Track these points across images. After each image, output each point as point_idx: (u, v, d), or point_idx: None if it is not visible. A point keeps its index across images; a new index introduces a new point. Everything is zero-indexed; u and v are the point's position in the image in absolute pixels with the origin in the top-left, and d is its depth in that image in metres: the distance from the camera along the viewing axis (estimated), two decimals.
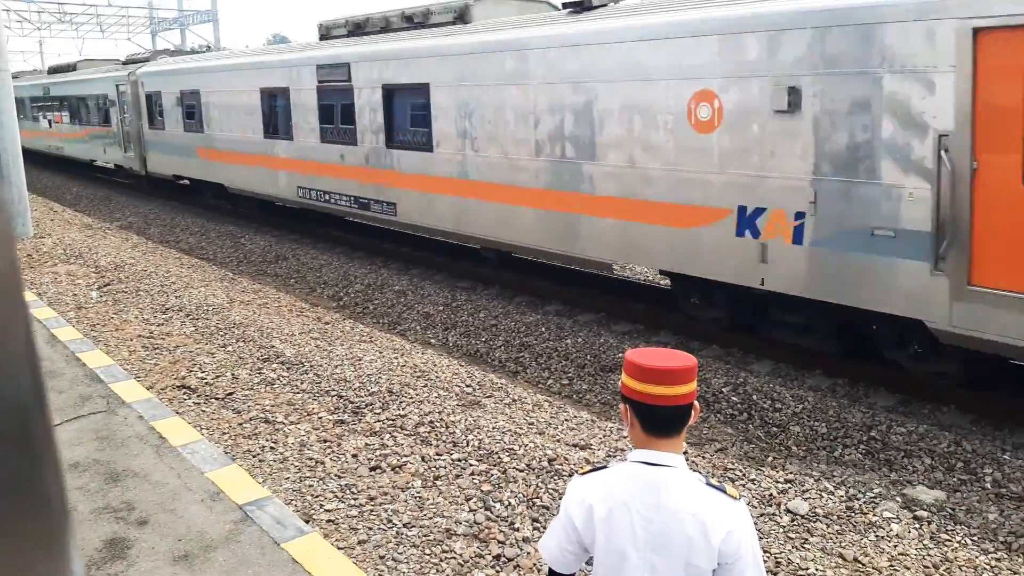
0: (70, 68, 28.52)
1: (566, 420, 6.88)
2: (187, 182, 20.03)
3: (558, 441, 6.33)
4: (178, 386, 7.47)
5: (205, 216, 18.87)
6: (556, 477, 5.59)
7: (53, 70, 30.43)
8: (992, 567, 4.72)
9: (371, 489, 5.47)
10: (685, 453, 6.05)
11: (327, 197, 13.95)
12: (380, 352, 8.57)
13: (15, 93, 32.14)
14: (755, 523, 5.02)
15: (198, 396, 7.25)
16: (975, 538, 4.99)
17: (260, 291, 11.77)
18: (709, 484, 2.09)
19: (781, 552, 4.79)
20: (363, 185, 13.02)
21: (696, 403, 2.17)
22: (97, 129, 24.14)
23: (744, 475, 5.78)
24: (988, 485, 5.75)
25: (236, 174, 16.92)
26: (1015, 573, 4.66)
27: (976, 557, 4.80)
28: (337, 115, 13.36)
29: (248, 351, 8.52)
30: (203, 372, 7.84)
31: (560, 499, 5.30)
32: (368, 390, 7.27)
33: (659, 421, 2.11)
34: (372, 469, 5.77)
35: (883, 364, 7.72)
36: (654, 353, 2.16)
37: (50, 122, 28.82)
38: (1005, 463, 5.96)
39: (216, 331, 9.30)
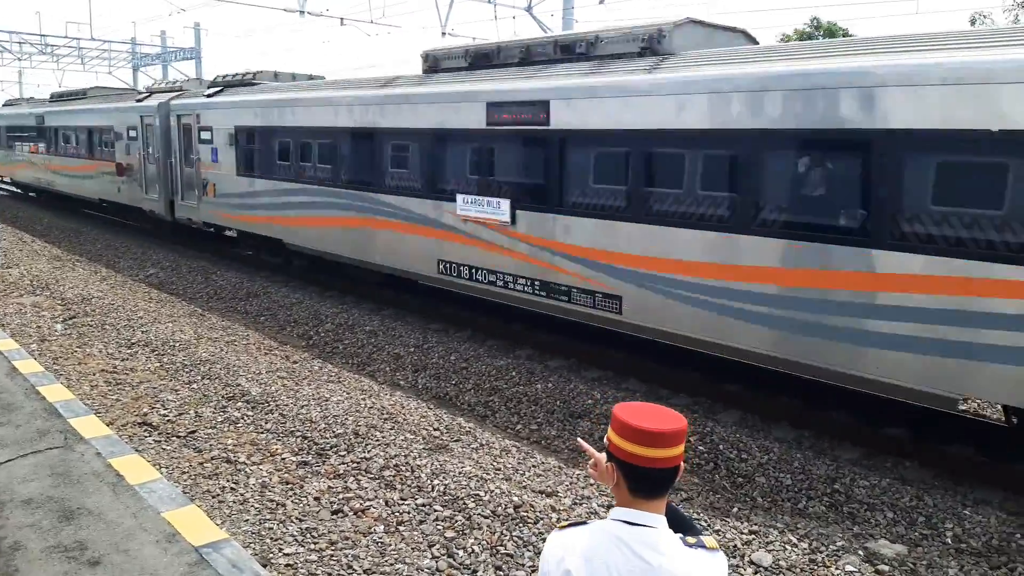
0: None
1: (533, 466, 6.84)
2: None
3: (524, 488, 6.28)
4: (139, 423, 7.33)
5: (177, 251, 18.73)
6: (521, 524, 5.54)
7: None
8: None
9: (332, 533, 5.37)
10: None
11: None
12: (348, 393, 8.49)
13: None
14: None
15: (159, 433, 7.12)
16: None
17: (229, 328, 11.65)
18: (687, 543, 2.04)
19: None
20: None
21: (681, 462, 2.10)
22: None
23: (709, 525, 5.76)
24: (949, 540, 5.78)
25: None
26: None
27: None
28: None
29: (213, 389, 8.40)
30: (166, 409, 7.71)
31: (523, 547, 5.25)
32: (334, 431, 7.18)
33: (648, 483, 2.04)
34: (334, 513, 5.68)
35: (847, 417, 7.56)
36: (645, 412, 2.08)
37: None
38: (966, 518, 6.01)
39: (181, 367, 9.17)
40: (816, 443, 7.66)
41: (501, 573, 4.96)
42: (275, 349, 10.58)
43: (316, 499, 5.86)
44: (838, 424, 7.93)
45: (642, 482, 2.04)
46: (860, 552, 5.46)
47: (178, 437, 7.04)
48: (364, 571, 4.94)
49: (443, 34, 28.71)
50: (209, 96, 16.93)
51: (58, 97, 27.45)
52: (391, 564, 5.02)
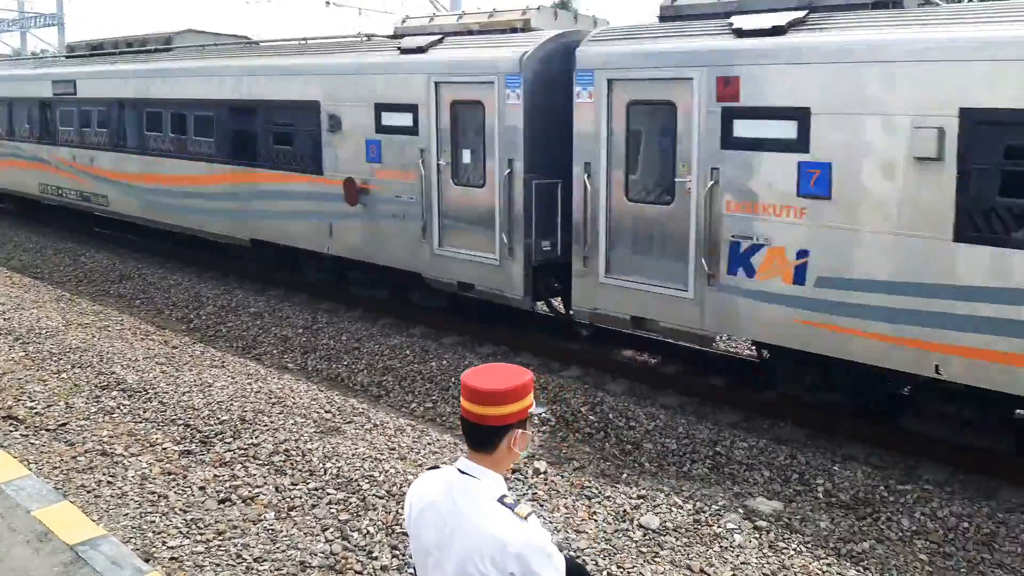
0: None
1: (429, 444, 6.84)
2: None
3: (420, 466, 6.27)
4: (4, 416, 6.86)
5: (41, 231, 17.47)
6: None
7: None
8: (824, 572, 5.07)
9: (219, 523, 5.20)
10: (544, 473, 6.16)
11: None
12: (232, 378, 8.21)
13: None
14: (610, 539, 5.17)
15: (26, 427, 6.68)
16: (809, 545, 5.35)
17: (101, 313, 11.01)
18: (501, 501, 2.19)
19: (634, 567, 4.94)
20: None
21: (525, 426, 2.25)
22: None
23: (600, 492, 5.93)
24: (820, 495, 6.19)
25: None
26: None
27: (810, 563, 5.14)
28: None
29: (85, 378, 7.94)
30: (33, 401, 7.24)
31: None
32: (218, 418, 6.94)
33: (475, 437, 2.25)
34: (221, 502, 5.50)
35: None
36: (485, 372, 2.28)
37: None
38: (835, 474, 6.44)
39: (49, 356, 8.61)
40: (699, 408, 7.99)
41: (397, 552, 4.95)
42: (153, 334, 10.08)
43: (201, 489, 5.66)
44: (719, 390, 8.30)
45: (470, 435, 2.26)
46: (740, 510, 5.76)
47: (47, 430, 6.63)
48: (255, 559, 4.81)
49: (327, 3, 27.80)
50: (779, 31, 6.74)
51: (94, 50, 16.08)
52: (283, 551, 4.91)
